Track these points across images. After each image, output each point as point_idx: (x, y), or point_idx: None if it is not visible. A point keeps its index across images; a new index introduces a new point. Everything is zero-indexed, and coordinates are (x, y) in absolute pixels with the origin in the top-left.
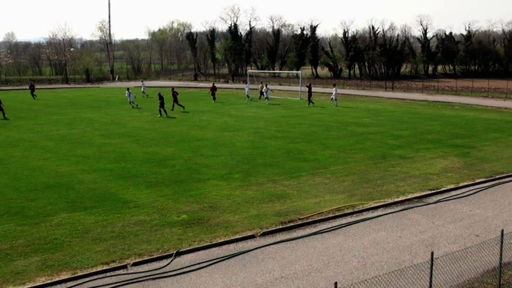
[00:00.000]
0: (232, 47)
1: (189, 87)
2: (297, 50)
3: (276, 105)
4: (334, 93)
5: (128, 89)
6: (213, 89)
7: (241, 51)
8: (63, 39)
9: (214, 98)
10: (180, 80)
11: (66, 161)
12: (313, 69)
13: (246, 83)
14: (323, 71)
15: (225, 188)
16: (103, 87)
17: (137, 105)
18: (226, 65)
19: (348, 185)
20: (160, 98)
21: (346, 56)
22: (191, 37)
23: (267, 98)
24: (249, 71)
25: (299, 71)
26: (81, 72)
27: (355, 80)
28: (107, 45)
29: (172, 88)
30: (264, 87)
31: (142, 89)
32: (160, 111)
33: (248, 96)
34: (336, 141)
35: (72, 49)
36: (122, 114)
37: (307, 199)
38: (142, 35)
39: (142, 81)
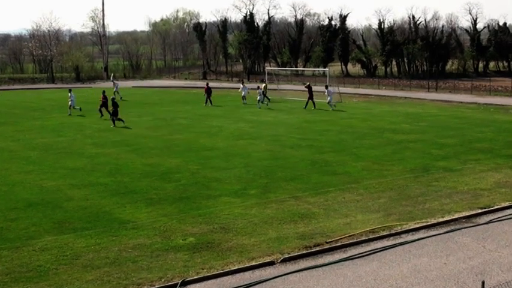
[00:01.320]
0: (247, 40)
1: (197, 87)
2: (323, 43)
3: (299, 109)
4: (329, 95)
5: (69, 90)
6: (208, 90)
7: (258, 45)
8: (49, 30)
9: (207, 101)
10: (186, 78)
11: (52, 175)
12: (343, 66)
13: (242, 83)
14: (354, 68)
15: (239, 206)
16: (96, 87)
17: (80, 109)
18: (240, 61)
19: (384, 203)
20: (105, 98)
21: (381, 50)
22: (199, 28)
23: (259, 101)
24: (267, 68)
25: (326, 69)
26: (70, 69)
27: (392, 79)
28: (100, 38)
29: (103, 91)
30: (259, 89)
31: (115, 89)
32: (112, 119)
33: (244, 98)
34: (370, 151)
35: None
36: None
37: (335, 219)
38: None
39: (113, 80)
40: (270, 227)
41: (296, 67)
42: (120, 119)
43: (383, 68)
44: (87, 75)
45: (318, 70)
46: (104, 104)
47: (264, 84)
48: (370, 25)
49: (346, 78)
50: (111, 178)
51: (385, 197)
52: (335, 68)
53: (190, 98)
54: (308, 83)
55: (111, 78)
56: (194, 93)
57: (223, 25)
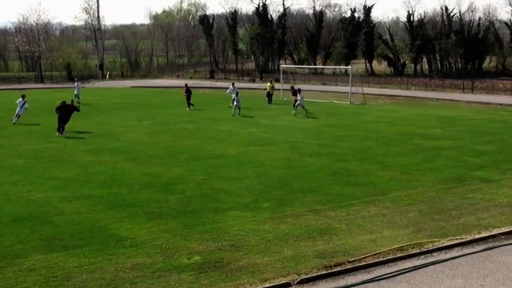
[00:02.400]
0: (260, 34)
1: (204, 88)
2: (346, 38)
3: (318, 112)
4: (299, 99)
5: (23, 96)
6: (187, 91)
7: (272, 40)
8: (37, 24)
9: (189, 104)
10: (191, 77)
11: (41, 186)
12: (368, 64)
13: (232, 84)
14: (380, 66)
15: (251, 221)
16: (90, 87)
17: (17, 117)
18: (252, 58)
19: (414, 217)
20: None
21: (410, 46)
22: (206, 21)
23: (237, 107)
24: (282, 66)
25: (349, 66)
26: (61, 67)
27: (422, 78)
28: (94, 32)
29: (64, 102)
30: (233, 94)
31: (76, 92)
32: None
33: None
34: (398, 159)
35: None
36: (114, 123)
37: (359, 235)
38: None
39: (76, 82)
40: (285, 244)
41: (315, 65)
42: (60, 128)
43: (412, 65)
44: (80, 73)
45: (340, 68)
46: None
47: (270, 84)
48: (397, 18)
49: (370, 77)
50: (106, 189)
51: (415, 211)
52: (358, 65)
53: (196, 100)
54: (292, 85)
55: (75, 80)
56: (201, 94)
57: (233, 18)
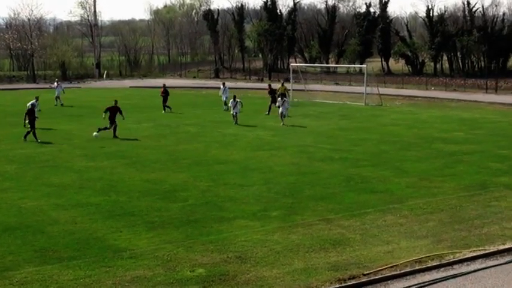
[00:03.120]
0: (268, 30)
1: (207, 88)
2: (360, 35)
3: (331, 114)
4: (282, 106)
5: (36, 98)
6: (165, 92)
7: (282, 37)
8: (29, 19)
9: (165, 107)
10: (194, 77)
11: (34, 193)
12: (384, 62)
13: (224, 85)
14: (397, 64)
15: (259, 231)
16: (86, 87)
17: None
18: (260, 56)
19: (433, 227)
20: None
21: (430, 43)
22: (210, 17)
23: (234, 114)
24: (292, 64)
25: (364, 65)
26: (55, 66)
27: (442, 77)
28: (91, 28)
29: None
30: (232, 100)
31: (56, 94)
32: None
33: (226, 104)
34: (416, 165)
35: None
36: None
37: (374, 246)
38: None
39: (57, 83)
40: (295, 256)
41: (327, 63)
42: (28, 133)
43: (432, 64)
44: (76, 73)
45: (354, 67)
46: None
47: (282, 86)
48: (416, 13)
49: (387, 77)
50: (104, 197)
51: (435, 220)
52: (374, 64)
53: (200, 101)
54: (270, 84)
55: (55, 82)
56: (205, 95)
57: (240, 13)
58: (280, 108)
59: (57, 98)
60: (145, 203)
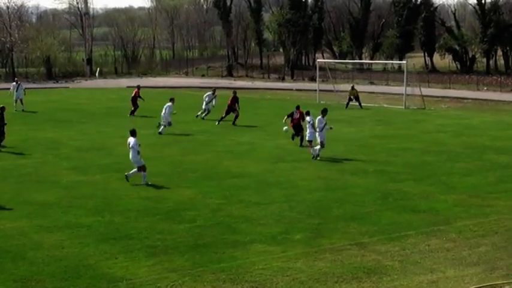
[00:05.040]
0: (291, 20)
1: (218, 88)
2: (399, 25)
3: (365, 118)
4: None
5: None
6: (134, 98)
7: (307, 28)
8: (8, 7)
9: (133, 111)
10: (203, 75)
11: (12, 213)
12: (427, 58)
13: (214, 92)
14: (443, 60)
15: (280, 258)
16: (75, 87)
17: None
18: (281, 50)
19: (486, 252)
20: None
21: (482, 35)
22: (222, 4)
23: (206, 110)
24: (319, 60)
25: (403, 61)
26: (38, 62)
27: (496, 75)
28: (81, 17)
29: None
30: (207, 105)
31: (16, 96)
32: None
33: (207, 111)
34: (466, 179)
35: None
36: (106, 134)
37: (416, 276)
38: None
39: (17, 83)
40: (323, 287)
41: (360, 59)
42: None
43: (484, 60)
44: (63, 70)
45: (392, 63)
46: None
47: (352, 90)
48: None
49: (431, 75)
50: (96, 217)
51: (487, 244)
52: (416, 59)
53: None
54: (234, 91)
55: (15, 82)
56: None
57: (257, 0)
58: (318, 137)
59: (20, 100)
60: (145, 225)
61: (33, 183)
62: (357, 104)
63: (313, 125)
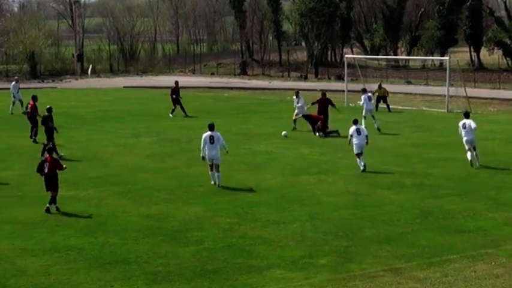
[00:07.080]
0: (315, 10)
1: (231, 88)
2: (441, 16)
3: (401, 123)
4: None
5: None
6: (175, 95)
7: (333, 19)
8: None
9: (183, 111)
10: (213, 73)
11: None
12: (473, 54)
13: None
14: (492, 56)
15: (302, 286)
16: (63, 87)
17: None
18: (303, 44)
19: None
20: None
21: None
22: None
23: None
24: (348, 56)
25: (446, 57)
26: (21, 58)
27: None
28: (70, 6)
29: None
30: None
31: (13, 97)
32: None
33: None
34: None
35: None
36: (100, 141)
37: None
38: None
39: (17, 82)
40: None
41: (395, 55)
42: None
43: None
44: (50, 67)
45: (432, 59)
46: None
47: (380, 89)
48: None
49: (478, 73)
50: (89, 238)
51: None
52: (460, 55)
53: (221, 106)
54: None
55: (15, 81)
56: (227, 99)
57: None
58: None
59: (19, 101)
60: (145, 247)
61: (15, 199)
62: (385, 106)
63: (367, 136)
